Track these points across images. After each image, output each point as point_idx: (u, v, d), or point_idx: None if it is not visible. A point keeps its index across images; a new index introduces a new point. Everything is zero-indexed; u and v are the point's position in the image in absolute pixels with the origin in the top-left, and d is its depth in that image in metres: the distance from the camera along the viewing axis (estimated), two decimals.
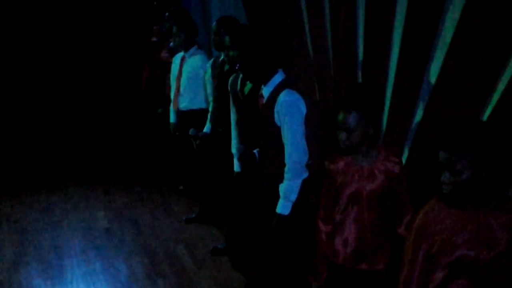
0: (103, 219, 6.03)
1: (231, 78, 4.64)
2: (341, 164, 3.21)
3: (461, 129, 2.35)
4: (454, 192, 2.41)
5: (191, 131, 5.17)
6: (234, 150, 4.60)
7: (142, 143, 8.29)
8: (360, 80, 4.94)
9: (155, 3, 6.75)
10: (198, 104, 5.66)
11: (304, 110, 3.71)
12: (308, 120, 3.72)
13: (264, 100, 3.85)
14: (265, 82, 3.87)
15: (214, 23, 5.07)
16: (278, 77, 3.84)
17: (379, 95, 3.22)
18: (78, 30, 8.60)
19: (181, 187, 6.63)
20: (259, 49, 3.80)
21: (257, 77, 3.89)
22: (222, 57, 5.03)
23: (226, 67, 4.96)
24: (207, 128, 5.28)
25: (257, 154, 4.09)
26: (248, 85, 4.40)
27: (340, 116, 3.08)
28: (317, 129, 4.10)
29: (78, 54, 8.70)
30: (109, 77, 8.99)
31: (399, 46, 4.19)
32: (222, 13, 8.01)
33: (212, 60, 5.33)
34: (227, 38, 4.59)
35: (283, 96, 3.72)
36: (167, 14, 5.99)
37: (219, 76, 5.01)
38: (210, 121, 5.27)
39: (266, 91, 3.86)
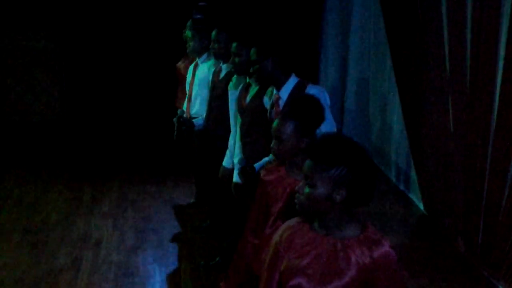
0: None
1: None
2: (275, 175, 3.06)
3: (332, 144, 2.23)
4: (304, 206, 2.25)
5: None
6: (236, 161, 4.42)
7: None
8: (497, 99, 4.71)
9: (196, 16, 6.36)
10: None
11: (329, 101, 3.79)
12: None
13: (282, 104, 3.78)
14: (279, 87, 3.84)
15: (215, 31, 4.85)
16: (293, 80, 3.84)
17: (317, 109, 3.09)
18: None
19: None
20: (279, 53, 3.81)
21: (271, 82, 3.88)
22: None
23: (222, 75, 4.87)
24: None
25: (257, 168, 3.96)
26: (251, 93, 4.28)
27: (275, 124, 3.04)
28: None
29: None
30: None
31: None
32: (363, 24, 7.92)
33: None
34: (234, 44, 4.34)
35: (310, 90, 3.69)
36: (189, 22, 5.63)
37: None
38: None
39: (283, 94, 3.81)
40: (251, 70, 3.96)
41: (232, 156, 4.57)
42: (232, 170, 4.51)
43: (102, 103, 9.12)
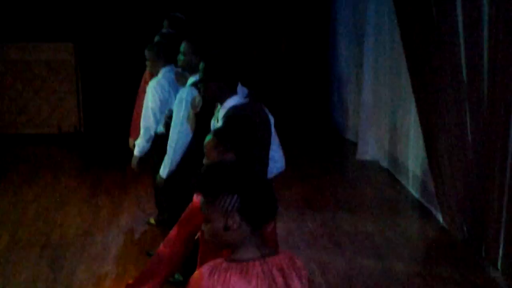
0: None
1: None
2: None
3: (213, 175, 2.24)
4: (210, 241, 2.26)
5: None
6: None
7: None
8: None
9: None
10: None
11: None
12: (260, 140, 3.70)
13: (219, 124, 3.76)
14: (222, 102, 3.86)
15: (184, 43, 4.83)
16: (233, 101, 3.84)
17: (243, 129, 3.22)
18: None
19: None
20: (224, 67, 3.86)
21: (214, 100, 3.91)
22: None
23: None
24: None
25: None
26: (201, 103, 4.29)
27: (205, 141, 3.18)
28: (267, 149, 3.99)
29: None
30: None
31: None
32: (377, 29, 7.86)
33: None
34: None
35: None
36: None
37: None
38: None
39: (221, 113, 3.83)
40: (198, 85, 4.04)
41: (168, 166, 4.55)
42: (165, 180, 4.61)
43: (118, 115, 9.15)
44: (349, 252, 5.62)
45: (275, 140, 4.07)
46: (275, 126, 4.10)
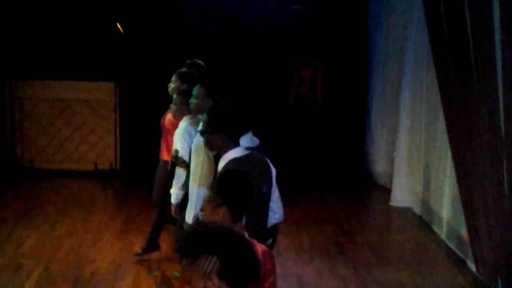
0: None
1: None
2: None
3: (193, 236, 2.20)
4: None
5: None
6: None
7: None
8: None
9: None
10: None
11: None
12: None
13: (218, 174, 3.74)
14: (223, 153, 3.84)
15: (197, 86, 4.87)
16: (234, 152, 3.81)
17: (238, 187, 3.16)
18: None
19: None
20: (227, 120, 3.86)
21: (217, 146, 3.90)
22: None
23: None
24: None
25: None
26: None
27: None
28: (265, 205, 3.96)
29: None
30: None
31: None
32: (414, 67, 7.88)
33: None
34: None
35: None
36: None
37: None
38: None
39: (220, 164, 3.81)
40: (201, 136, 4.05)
41: (192, 211, 4.48)
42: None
43: (153, 154, 9.28)
44: None
45: (275, 192, 4.04)
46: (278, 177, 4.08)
